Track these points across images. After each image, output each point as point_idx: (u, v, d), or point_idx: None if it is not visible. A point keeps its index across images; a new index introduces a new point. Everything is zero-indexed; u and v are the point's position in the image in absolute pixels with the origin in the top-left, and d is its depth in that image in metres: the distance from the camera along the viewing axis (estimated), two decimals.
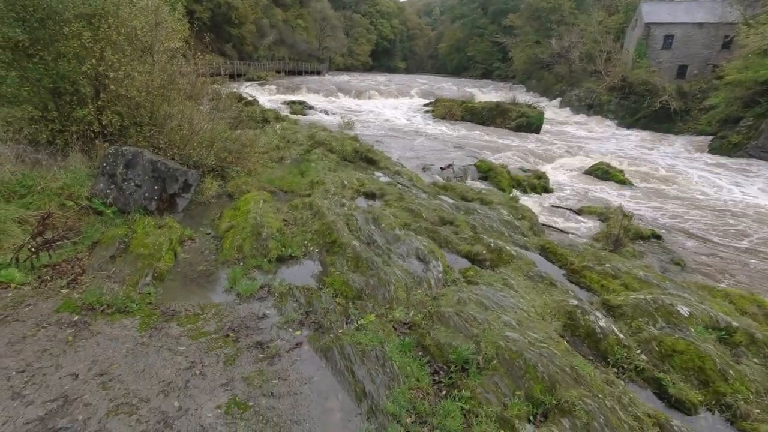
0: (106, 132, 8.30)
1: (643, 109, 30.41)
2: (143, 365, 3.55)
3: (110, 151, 7.18)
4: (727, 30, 29.68)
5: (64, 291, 4.63)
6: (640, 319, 4.57)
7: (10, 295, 4.47)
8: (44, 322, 4.03)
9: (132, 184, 7.02)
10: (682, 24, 32.52)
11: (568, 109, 38.27)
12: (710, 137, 24.54)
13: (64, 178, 7.06)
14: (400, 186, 10.25)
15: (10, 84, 7.68)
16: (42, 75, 7.80)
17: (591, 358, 4.16)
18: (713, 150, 23.01)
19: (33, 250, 5.15)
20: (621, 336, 4.31)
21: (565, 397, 3.23)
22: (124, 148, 7.27)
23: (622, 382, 3.81)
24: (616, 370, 4.04)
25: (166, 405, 3.14)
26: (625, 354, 4.13)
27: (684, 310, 4.57)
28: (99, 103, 8.16)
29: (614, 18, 44.37)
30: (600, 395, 3.30)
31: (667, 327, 4.44)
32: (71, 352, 3.64)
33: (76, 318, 4.14)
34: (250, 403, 3.23)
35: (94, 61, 7.74)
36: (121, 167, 7.04)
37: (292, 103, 29.61)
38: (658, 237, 10.47)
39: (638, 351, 4.19)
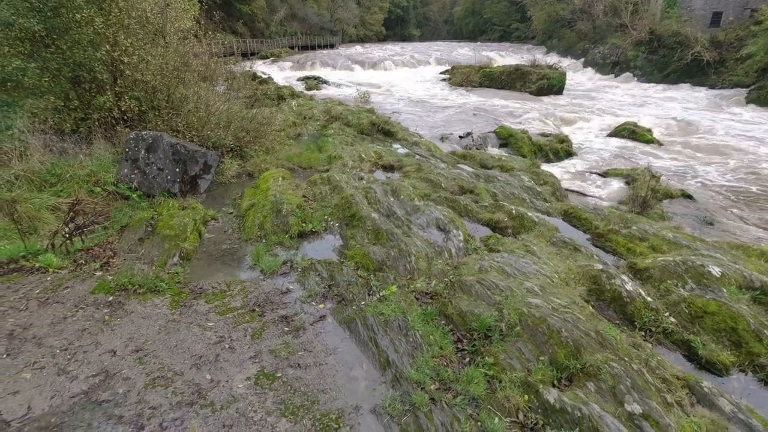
0: (126, 117, 8.44)
1: (672, 63, 28.79)
2: (175, 341, 3.70)
3: (131, 136, 7.31)
4: None
5: (98, 273, 4.83)
6: (668, 282, 4.44)
7: (49, 278, 4.70)
8: (82, 303, 4.23)
9: (154, 167, 7.16)
10: None
11: (591, 68, 36.62)
12: (747, 89, 23.09)
13: (90, 165, 7.27)
14: (418, 157, 10.12)
15: (30, 76, 7.84)
16: (60, 64, 7.92)
17: (617, 322, 4.09)
18: (750, 102, 21.71)
19: (66, 235, 5.36)
20: (648, 299, 4.22)
21: (590, 361, 3.20)
22: (144, 132, 7.39)
23: (650, 345, 3.75)
24: (643, 333, 3.97)
25: (198, 377, 3.28)
26: (652, 317, 4.05)
27: (715, 271, 4.42)
28: (117, 89, 8.26)
29: None
30: (626, 358, 3.26)
31: (697, 288, 4.31)
32: (108, 331, 3.82)
33: (111, 298, 4.32)
34: (278, 374, 3.34)
35: (108, 46, 7.80)
36: (142, 152, 7.17)
37: (306, 78, 29.33)
38: (688, 196, 10.09)
39: (667, 313, 4.10)
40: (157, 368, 3.37)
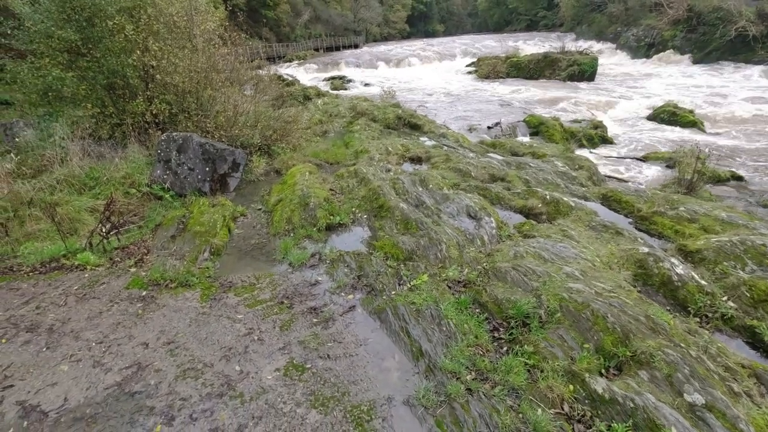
0: (158, 121, 8.66)
1: (715, 41, 27.06)
2: (205, 333, 3.68)
3: (162, 138, 7.46)
4: None
5: (133, 270, 4.92)
6: (725, 263, 4.08)
7: (87, 275, 4.82)
8: (117, 298, 4.30)
9: (185, 167, 7.27)
10: None
11: (625, 51, 35.03)
12: None
13: (125, 168, 7.49)
14: (446, 148, 9.89)
15: (69, 84, 8.15)
16: (96, 72, 8.20)
17: (668, 308, 3.77)
18: None
19: (103, 234, 5.51)
20: (702, 282, 3.87)
21: (641, 347, 2.94)
22: (174, 134, 7.52)
23: (707, 332, 3.43)
24: (698, 319, 3.65)
25: (228, 369, 3.24)
26: (708, 301, 3.71)
27: None
28: (148, 93, 8.48)
29: None
30: (682, 344, 2.97)
31: (759, 270, 3.93)
32: (141, 324, 3.86)
33: (144, 293, 4.38)
34: (308, 366, 3.25)
35: (138, 52, 8.00)
36: (174, 152, 7.30)
37: (332, 78, 29.48)
38: (739, 178, 9.40)
39: (724, 298, 3.75)
40: (188, 360, 3.35)
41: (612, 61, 33.13)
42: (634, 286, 4.01)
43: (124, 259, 5.20)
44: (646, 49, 32.69)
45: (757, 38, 24.75)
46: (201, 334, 3.67)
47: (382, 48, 53.49)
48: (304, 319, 3.84)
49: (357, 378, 3.14)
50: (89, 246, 5.44)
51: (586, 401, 2.73)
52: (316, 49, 51.57)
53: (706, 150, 9.52)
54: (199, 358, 3.38)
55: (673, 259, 4.13)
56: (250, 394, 2.98)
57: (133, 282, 4.59)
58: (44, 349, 3.54)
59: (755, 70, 23.45)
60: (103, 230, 5.57)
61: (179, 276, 4.62)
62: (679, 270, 3.96)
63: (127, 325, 3.84)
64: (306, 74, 34.29)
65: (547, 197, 5.98)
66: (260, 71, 15.76)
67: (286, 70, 33.08)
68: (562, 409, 2.73)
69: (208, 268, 4.91)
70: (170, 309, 4.07)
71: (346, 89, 25.57)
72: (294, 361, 3.30)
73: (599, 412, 2.65)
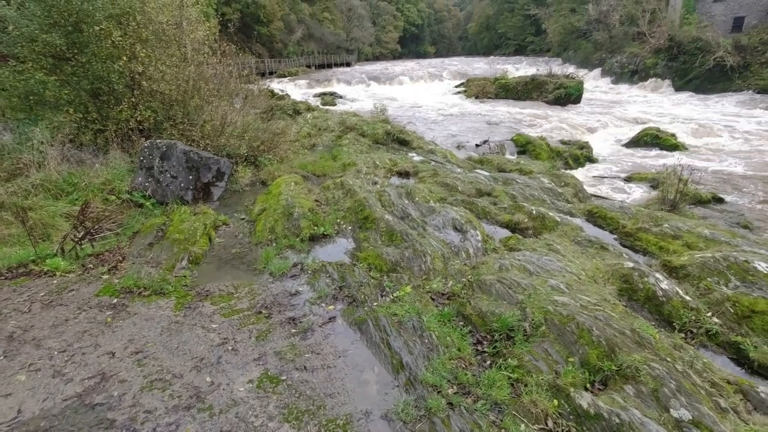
0: (142, 128, 8.51)
1: (694, 69, 28.03)
2: (177, 342, 3.51)
3: (146, 144, 7.32)
4: None
5: (105, 277, 4.72)
6: (708, 279, 4.06)
7: (55, 282, 4.61)
8: (85, 306, 4.10)
9: (168, 175, 7.12)
10: None
11: (609, 77, 36.09)
12: None
13: (105, 175, 7.31)
14: (434, 163, 9.90)
15: (51, 88, 7.99)
16: (80, 78, 8.06)
17: (653, 323, 3.72)
18: None
19: (76, 239, 5.30)
20: (687, 298, 3.84)
21: (626, 361, 2.86)
22: (158, 141, 7.39)
23: (692, 347, 3.38)
24: (683, 335, 3.60)
25: (198, 380, 3.07)
26: (693, 317, 3.67)
27: (762, 267, 4.01)
28: (133, 100, 8.35)
29: None
30: (668, 359, 2.91)
31: (742, 286, 3.91)
32: (109, 332, 3.66)
33: (115, 301, 4.18)
34: (283, 377, 3.10)
35: (125, 59, 7.90)
36: (157, 160, 7.15)
37: (323, 94, 29.63)
38: (720, 200, 9.55)
39: (709, 313, 3.72)
40: (156, 370, 3.17)
41: (597, 85, 34.09)
42: (619, 301, 3.96)
43: (98, 266, 5.00)
44: (629, 75, 33.73)
45: (734, 68, 25.73)
46: (172, 344, 3.49)
47: (374, 67, 54.31)
48: (282, 330, 3.69)
49: (334, 391, 2.99)
50: (61, 252, 5.22)
51: (571, 417, 2.63)
52: (308, 66, 52.17)
53: (688, 171, 9.70)
54: (168, 368, 3.20)
55: (657, 275, 4.11)
56: (220, 407, 2.81)
57: (104, 289, 4.39)
58: (1, 358, 3.32)
59: (729, 97, 24.37)
60: (77, 236, 5.37)
61: (154, 284, 4.44)
62: (664, 285, 3.93)
63: (94, 334, 3.64)
64: (297, 89, 34.48)
65: (534, 212, 5.97)
66: (251, 85, 15.76)
67: (278, 85, 33.22)
68: (546, 425, 2.62)
69: (185, 276, 4.74)
70: (141, 317, 3.89)
71: (336, 105, 25.69)
72: (269, 373, 3.14)
73: (584, 428, 2.55)
